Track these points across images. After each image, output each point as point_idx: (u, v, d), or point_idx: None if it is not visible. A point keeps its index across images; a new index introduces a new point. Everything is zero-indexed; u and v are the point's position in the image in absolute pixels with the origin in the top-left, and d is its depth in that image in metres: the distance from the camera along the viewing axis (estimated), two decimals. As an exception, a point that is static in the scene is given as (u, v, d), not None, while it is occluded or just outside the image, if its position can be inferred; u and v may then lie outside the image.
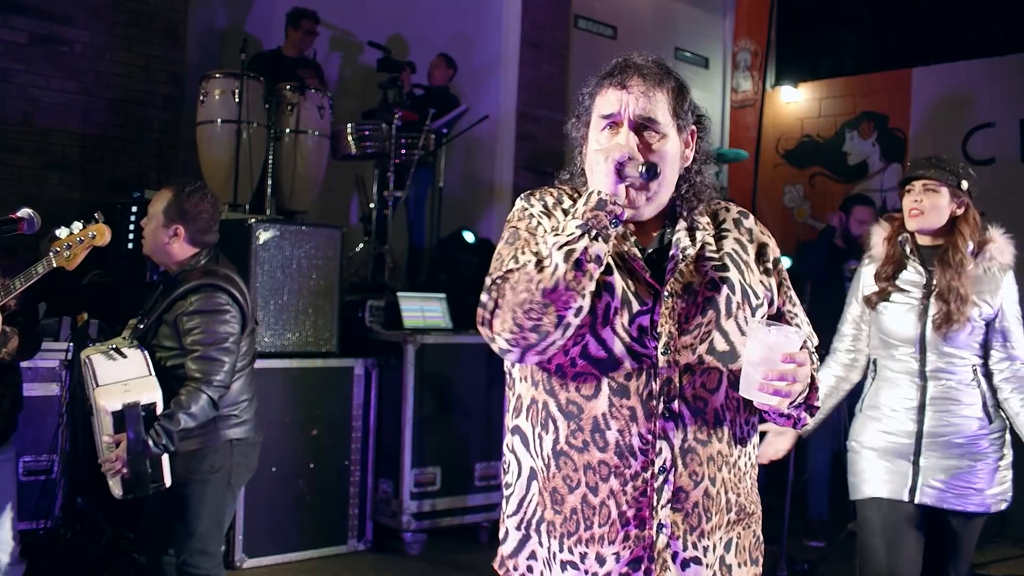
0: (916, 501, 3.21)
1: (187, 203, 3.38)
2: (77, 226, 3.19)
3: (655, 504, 1.80)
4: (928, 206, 3.21)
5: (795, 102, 9.88)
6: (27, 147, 6.13)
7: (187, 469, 3.29)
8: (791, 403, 1.79)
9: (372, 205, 6.99)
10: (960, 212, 3.23)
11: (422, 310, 5.75)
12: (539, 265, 1.72)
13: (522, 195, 1.98)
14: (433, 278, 7.03)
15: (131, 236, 5.30)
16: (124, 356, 3.18)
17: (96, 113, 6.39)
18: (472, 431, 5.62)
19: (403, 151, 6.84)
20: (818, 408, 1.95)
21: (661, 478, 1.80)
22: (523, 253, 1.79)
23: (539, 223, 1.89)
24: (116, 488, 3.13)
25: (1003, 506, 3.27)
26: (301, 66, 6.93)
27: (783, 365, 1.72)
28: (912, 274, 3.25)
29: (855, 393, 3.52)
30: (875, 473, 3.29)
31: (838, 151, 9.41)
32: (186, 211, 3.38)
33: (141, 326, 3.37)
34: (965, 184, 3.21)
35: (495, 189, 8.76)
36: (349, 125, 6.82)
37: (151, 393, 3.11)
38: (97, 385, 3.08)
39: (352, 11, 7.85)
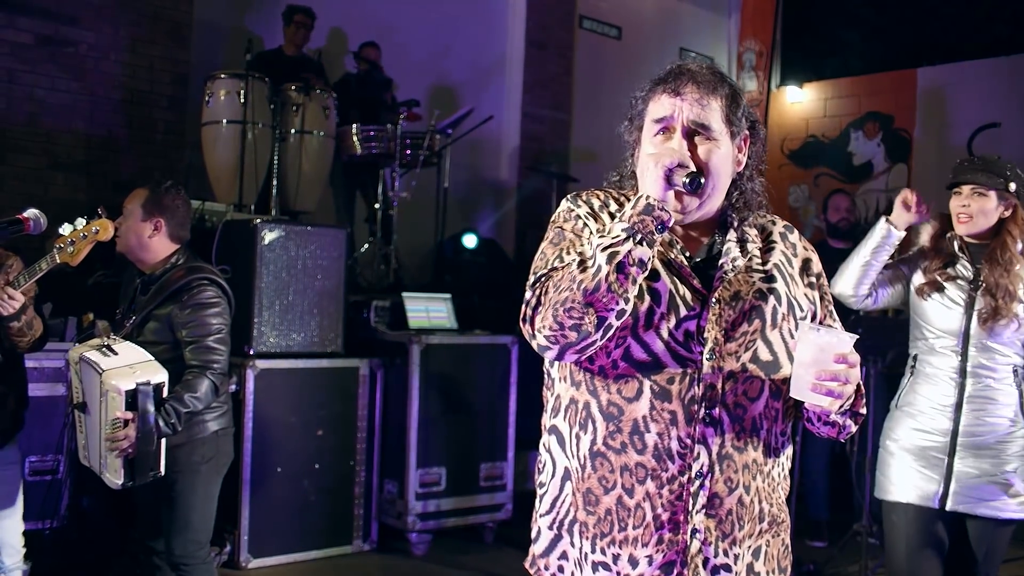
0: (948, 508, 3.21)
1: (164, 198, 3.48)
2: (80, 222, 3.20)
3: (690, 508, 1.80)
4: (976, 210, 3.25)
5: (800, 102, 9.88)
6: (32, 148, 6.13)
7: (179, 462, 3.33)
8: (841, 406, 1.78)
9: (377, 205, 6.99)
10: (1008, 213, 3.26)
11: (427, 310, 5.75)
12: (582, 265, 1.73)
13: (568, 196, 1.98)
14: (438, 278, 7.03)
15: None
16: (116, 353, 3.20)
17: (101, 114, 6.40)
18: (477, 431, 5.62)
19: (408, 151, 6.85)
20: (863, 415, 1.94)
21: (697, 483, 1.80)
22: (568, 253, 1.82)
23: (585, 225, 1.90)
24: (116, 478, 3.15)
25: None
26: (302, 65, 6.93)
27: (835, 365, 1.72)
28: (960, 270, 3.27)
29: (892, 390, 3.54)
30: (905, 477, 3.29)
31: (843, 151, 9.40)
32: (165, 205, 3.46)
33: (127, 323, 3.41)
34: (1013, 186, 3.24)
35: (500, 189, 8.77)
36: (354, 126, 6.82)
37: (159, 375, 3.16)
38: (104, 370, 3.11)
39: (353, 9, 7.84)
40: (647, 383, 1.81)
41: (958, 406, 3.21)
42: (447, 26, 8.32)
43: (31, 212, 3.12)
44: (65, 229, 3.19)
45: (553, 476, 1.94)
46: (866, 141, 9.24)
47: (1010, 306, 3.15)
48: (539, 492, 1.99)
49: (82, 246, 3.19)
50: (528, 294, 1.81)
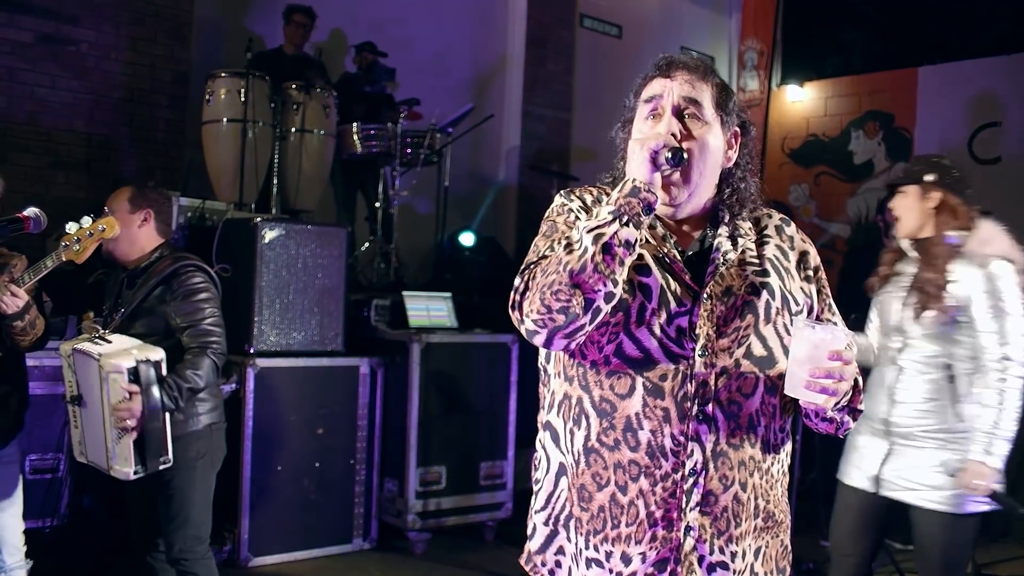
0: (881, 493, 3.31)
1: (151, 193, 3.54)
2: (87, 220, 3.21)
3: (684, 506, 1.79)
4: (901, 209, 3.35)
5: (801, 101, 9.87)
6: (33, 146, 6.14)
7: (174, 459, 3.33)
8: (836, 403, 1.76)
9: (378, 204, 6.99)
10: (933, 205, 3.29)
11: (427, 309, 5.75)
12: (568, 248, 1.73)
13: (561, 192, 1.99)
14: (438, 277, 7.03)
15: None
16: (109, 342, 3.22)
17: (102, 112, 6.40)
18: (477, 430, 5.62)
19: (408, 150, 6.85)
20: (861, 411, 1.93)
21: (691, 480, 1.78)
22: (559, 244, 1.80)
23: (577, 218, 1.90)
24: (127, 466, 3.14)
25: (974, 507, 3.19)
26: (302, 64, 6.93)
27: (830, 363, 1.70)
28: (905, 266, 3.38)
29: None
30: (851, 460, 3.43)
31: (844, 150, 9.40)
32: (151, 199, 3.52)
33: (115, 317, 3.42)
34: (930, 176, 3.29)
35: (500, 188, 8.76)
36: (354, 124, 6.82)
37: (157, 352, 3.18)
38: (100, 355, 3.12)
39: (353, 9, 7.84)
40: (640, 380, 1.79)
41: (892, 396, 3.29)
42: (448, 25, 8.32)
43: (31, 211, 3.12)
44: (71, 227, 3.20)
45: (548, 472, 1.94)
46: (867, 140, 9.24)
47: (938, 299, 3.19)
48: (535, 489, 1.99)
49: (88, 244, 3.20)
50: (517, 281, 1.80)
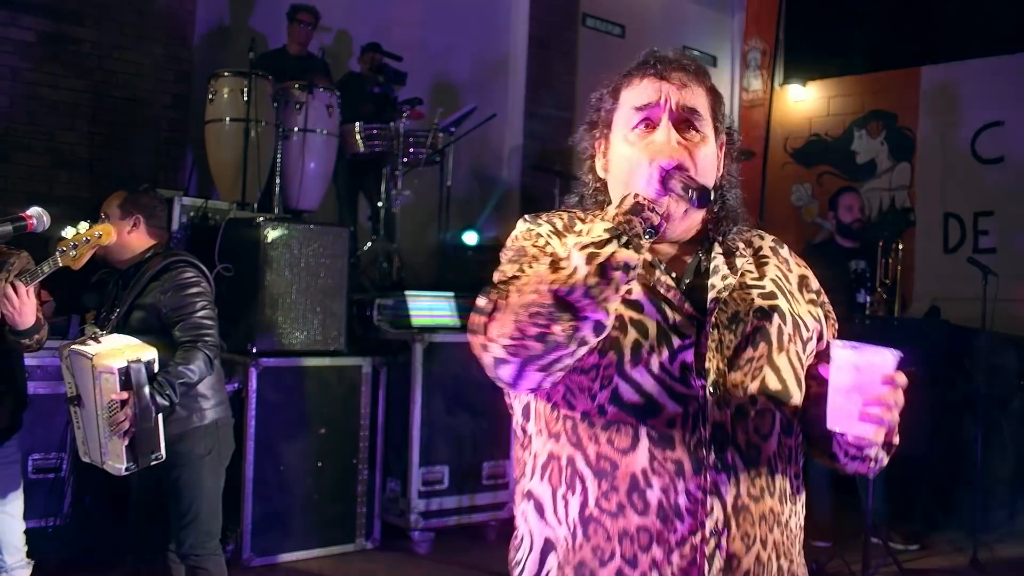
0: None
1: (142, 198, 3.58)
2: (83, 226, 3.23)
3: (705, 574, 1.51)
4: None
5: (803, 101, 9.86)
6: (36, 146, 6.15)
7: (181, 456, 3.37)
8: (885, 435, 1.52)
9: (380, 204, 6.99)
10: None
11: (430, 309, 5.75)
12: (554, 266, 1.46)
13: (527, 216, 1.75)
14: (441, 277, 7.03)
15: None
16: (99, 342, 3.23)
17: (105, 112, 6.41)
18: (480, 430, 5.61)
19: (411, 150, 6.85)
20: (896, 446, 1.64)
21: (712, 542, 1.51)
22: (530, 267, 1.55)
23: (548, 242, 1.65)
24: (119, 463, 3.17)
25: None
26: (306, 64, 6.93)
27: (882, 388, 1.46)
28: None
29: None
30: None
31: (846, 150, 9.39)
32: (143, 204, 3.56)
33: (112, 318, 3.43)
34: None
35: (503, 188, 8.76)
36: (357, 124, 6.83)
37: (148, 352, 3.19)
38: (93, 354, 3.14)
39: (356, 9, 7.85)
40: (643, 429, 1.53)
41: None
42: (450, 25, 8.32)
43: (34, 210, 3.13)
44: (68, 232, 3.21)
45: (531, 551, 1.65)
46: (869, 140, 9.23)
47: None
48: (514, 573, 1.70)
49: (84, 250, 3.22)
50: (483, 301, 1.52)
